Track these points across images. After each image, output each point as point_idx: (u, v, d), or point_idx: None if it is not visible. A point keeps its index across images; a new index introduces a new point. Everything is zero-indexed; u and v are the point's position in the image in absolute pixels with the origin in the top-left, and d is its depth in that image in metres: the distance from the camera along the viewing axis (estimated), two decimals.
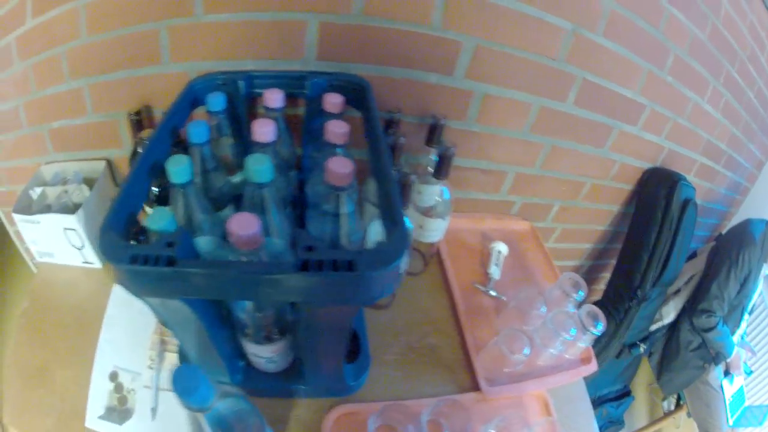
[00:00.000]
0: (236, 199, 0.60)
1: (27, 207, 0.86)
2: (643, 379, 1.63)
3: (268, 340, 0.56)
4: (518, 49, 0.75)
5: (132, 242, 0.46)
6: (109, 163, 0.91)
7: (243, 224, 0.42)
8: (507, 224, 1.00)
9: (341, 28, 0.69)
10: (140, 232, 0.48)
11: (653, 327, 1.29)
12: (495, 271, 0.84)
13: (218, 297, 0.45)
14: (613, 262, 1.26)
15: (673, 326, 1.31)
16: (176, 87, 0.67)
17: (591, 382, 0.92)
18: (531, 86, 0.80)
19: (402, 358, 0.71)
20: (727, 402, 1.38)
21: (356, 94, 0.66)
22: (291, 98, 0.69)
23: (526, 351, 0.71)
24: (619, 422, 1.52)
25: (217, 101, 0.63)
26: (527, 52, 0.76)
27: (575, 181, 1.01)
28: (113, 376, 0.75)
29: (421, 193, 0.73)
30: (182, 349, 0.72)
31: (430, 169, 0.71)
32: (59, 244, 0.85)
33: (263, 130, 0.55)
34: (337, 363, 0.59)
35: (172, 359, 0.77)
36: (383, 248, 0.42)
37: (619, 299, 1.22)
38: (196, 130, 0.55)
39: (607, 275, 1.33)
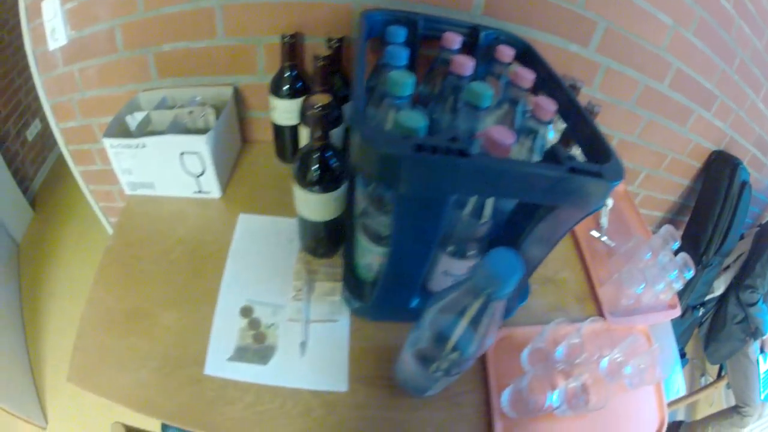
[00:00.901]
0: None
1: (124, 133, 0.77)
2: (687, 351, 1.74)
3: (464, 255, 0.60)
4: (636, 36, 0.88)
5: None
6: (236, 90, 0.88)
7: (503, 134, 0.48)
8: None
9: None
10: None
11: (707, 297, 1.43)
12: (605, 221, 0.96)
13: (487, 193, 0.48)
14: (679, 233, 1.40)
15: (722, 299, 1.44)
16: (333, 18, 0.70)
17: None
18: (640, 67, 0.94)
19: (541, 288, 0.82)
20: (761, 377, 1.51)
21: (519, 50, 0.72)
22: (432, 41, 0.73)
23: (643, 286, 0.84)
24: None
25: (398, 33, 0.67)
26: (643, 40, 0.89)
27: (660, 153, 1.15)
28: (246, 311, 0.67)
29: None
30: (366, 267, 0.67)
31: None
32: (167, 172, 0.77)
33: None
34: (523, 282, 0.67)
35: (323, 289, 0.73)
36: (614, 167, 0.49)
37: None
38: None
39: None
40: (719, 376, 1.57)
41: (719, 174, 1.21)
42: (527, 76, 0.64)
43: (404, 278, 0.59)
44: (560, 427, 0.68)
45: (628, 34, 0.87)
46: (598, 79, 0.92)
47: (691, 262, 0.87)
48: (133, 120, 0.79)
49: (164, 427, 0.90)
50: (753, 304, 1.40)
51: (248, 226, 0.80)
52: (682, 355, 1.57)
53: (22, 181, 2.17)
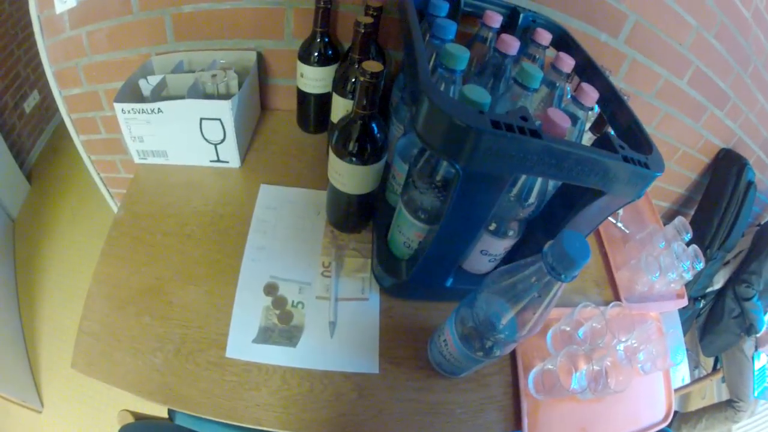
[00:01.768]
0: None
1: (137, 98, 0.73)
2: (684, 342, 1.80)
3: (505, 235, 0.60)
4: (662, 33, 0.91)
5: None
6: (259, 55, 0.85)
7: (560, 116, 0.47)
8: None
9: None
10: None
11: (707, 290, 1.47)
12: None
13: (550, 175, 0.46)
14: None
15: (720, 293, 1.49)
16: None
17: None
18: (663, 62, 0.96)
19: None
20: (755, 374, 1.56)
21: (555, 35, 0.73)
22: (471, 18, 0.74)
23: (658, 274, 0.86)
24: None
25: (442, 7, 0.67)
26: (668, 37, 0.92)
27: (673, 146, 1.19)
28: (270, 289, 0.63)
29: None
30: (404, 244, 0.64)
31: None
32: (183, 139, 0.72)
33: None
34: None
35: (353, 265, 0.69)
36: (657, 159, 0.52)
37: None
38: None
39: None
40: (714, 369, 1.62)
41: (727, 171, 1.25)
42: (569, 62, 0.65)
43: (448, 256, 0.58)
44: (581, 408, 0.70)
45: (656, 30, 0.90)
46: (623, 69, 0.94)
47: (701, 255, 0.90)
48: (147, 84, 0.75)
49: (171, 412, 0.89)
50: (748, 299, 1.45)
51: (270, 197, 0.75)
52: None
53: (19, 154, 2.12)
